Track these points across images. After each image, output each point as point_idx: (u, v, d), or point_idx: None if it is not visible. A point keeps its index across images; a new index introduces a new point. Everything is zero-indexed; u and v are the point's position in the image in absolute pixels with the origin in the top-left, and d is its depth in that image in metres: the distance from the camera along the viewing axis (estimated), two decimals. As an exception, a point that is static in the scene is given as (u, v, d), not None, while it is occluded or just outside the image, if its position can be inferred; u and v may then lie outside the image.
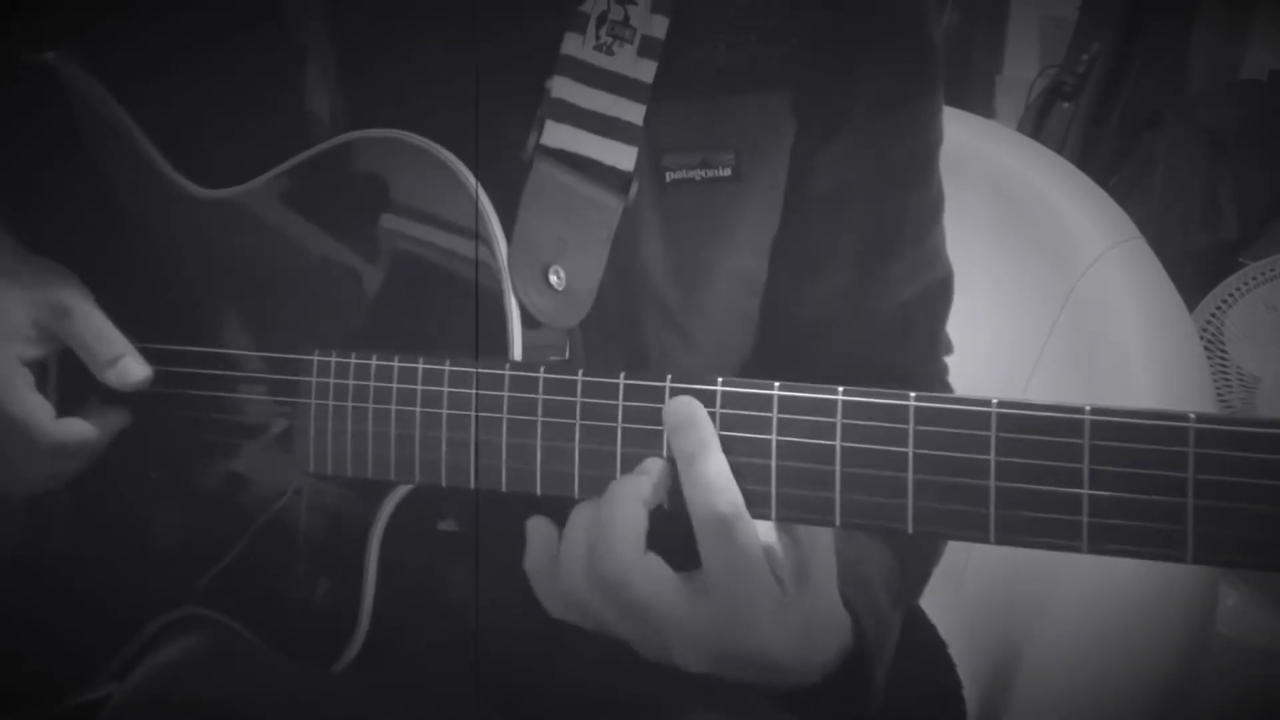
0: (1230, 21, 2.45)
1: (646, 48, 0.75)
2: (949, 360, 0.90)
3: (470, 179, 0.72)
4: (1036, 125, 2.48)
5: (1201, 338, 1.93)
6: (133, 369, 0.79)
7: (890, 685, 0.86)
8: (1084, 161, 2.31)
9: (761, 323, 0.84)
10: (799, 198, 0.80)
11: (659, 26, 0.75)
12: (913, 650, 0.90)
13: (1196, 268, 2.21)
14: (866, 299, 0.84)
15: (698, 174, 0.77)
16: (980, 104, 2.68)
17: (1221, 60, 2.46)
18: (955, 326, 0.90)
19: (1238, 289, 2.01)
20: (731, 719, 0.77)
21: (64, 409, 0.80)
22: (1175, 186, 2.30)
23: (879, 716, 0.84)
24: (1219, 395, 1.99)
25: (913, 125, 0.82)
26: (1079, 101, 2.43)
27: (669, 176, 0.76)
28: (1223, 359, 2.00)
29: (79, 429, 0.79)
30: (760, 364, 0.85)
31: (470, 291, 0.72)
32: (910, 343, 0.86)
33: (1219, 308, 2.01)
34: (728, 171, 0.77)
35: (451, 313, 0.73)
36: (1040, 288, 1.12)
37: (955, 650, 0.91)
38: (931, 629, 0.90)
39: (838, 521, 0.61)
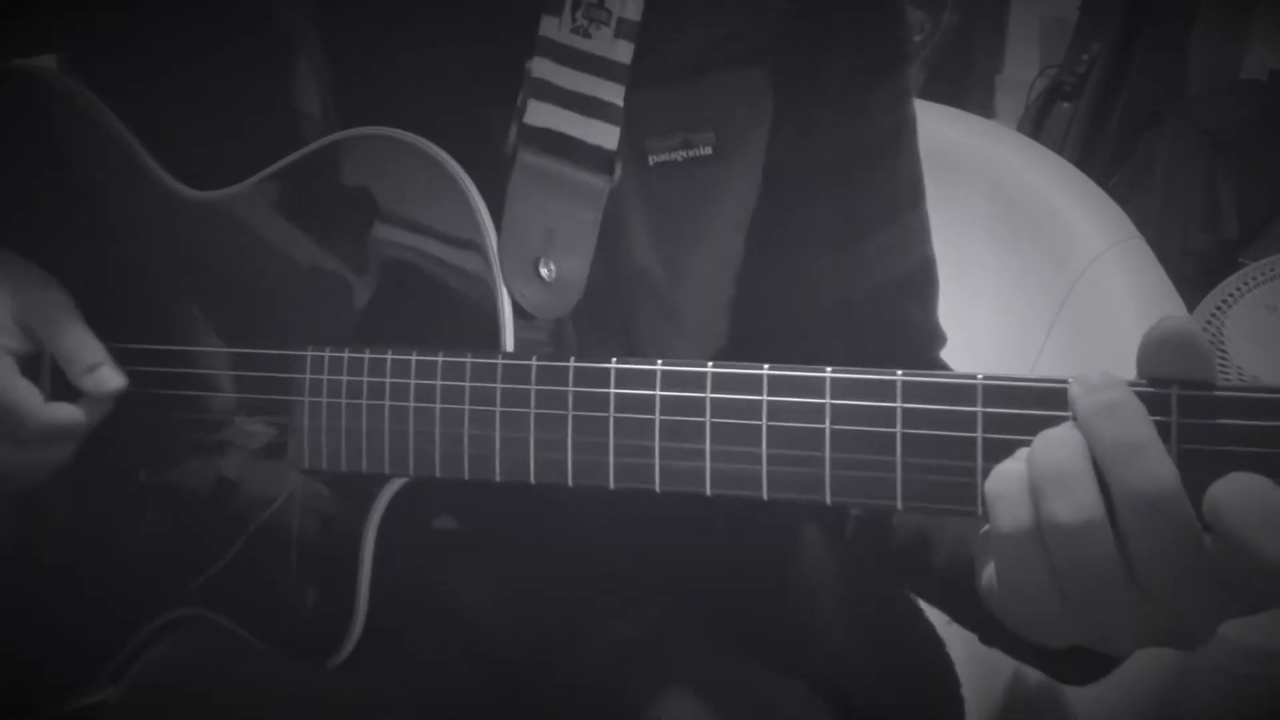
0: (1230, 21, 2.45)
1: (623, 29, 0.75)
2: (943, 354, 0.89)
3: (458, 171, 0.72)
4: (1036, 125, 2.48)
5: (1201, 338, 1.93)
6: (109, 377, 0.80)
7: (889, 684, 0.86)
8: (1084, 161, 2.31)
9: (747, 303, 0.85)
10: (776, 173, 0.81)
11: (634, 8, 0.75)
12: (911, 649, 0.90)
13: (1196, 268, 2.21)
14: (845, 280, 0.84)
15: (679, 155, 0.77)
16: (980, 104, 2.68)
17: (1221, 60, 2.46)
18: (955, 326, 0.90)
19: (1238, 289, 2.01)
20: (722, 718, 0.77)
21: (57, 398, 0.80)
22: (1175, 186, 2.30)
23: (878, 716, 0.85)
24: (1219, 395, 1.98)
25: (881, 100, 0.82)
26: (1079, 101, 2.43)
27: (652, 160, 0.77)
28: (1223, 359, 2.00)
29: (68, 412, 0.79)
30: (748, 349, 0.85)
31: (464, 285, 0.72)
32: (897, 331, 0.86)
33: (1219, 308, 2.01)
34: (708, 150, 0.77)
35: (443, 307, 0.73)
36: (1040, 287, 1.12)
37: (954, 650, 0.92)
38: (930, 628, 0.90)
39: (828, 499, 0.62)
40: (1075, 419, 0.55)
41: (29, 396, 0.78)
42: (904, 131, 0.84)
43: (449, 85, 0.76)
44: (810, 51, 0.78)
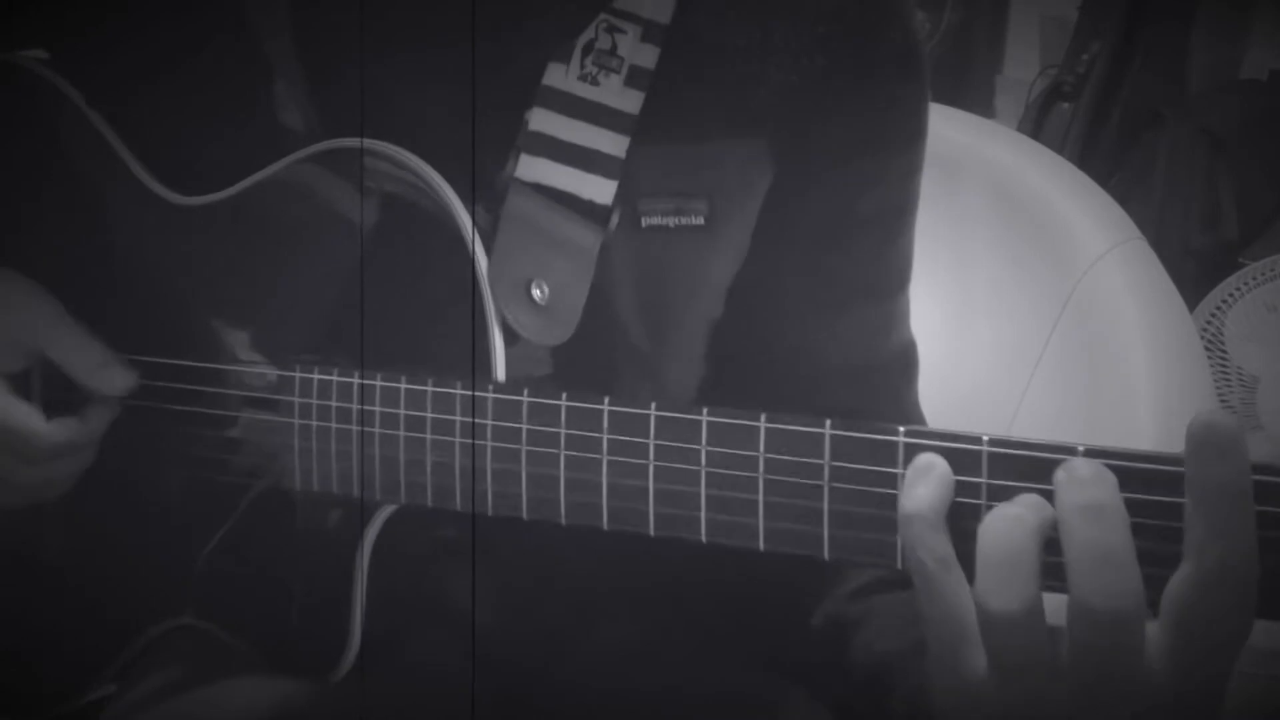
0: (1230, 21, 2.45)
1: (634, 78, 0.74)
2: (944, 360, 0.88)
3: (447, 189, 0.70)
4: (1036, 125, 2.48)
5: (1201, 338, 1.93)
6: (118, 375, 0.79)
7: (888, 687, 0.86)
8: (1084, 161, 2.31)
9: (722, 359, 0.83)
10: (765, 237, 0.79)
11: (649, 57, 0.74)
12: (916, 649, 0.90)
13: (1196, 268, 2.21)
14: (823, 350, 0.82)
15: (671, 220, 0.76)
16: (980, 104, 2.68)
17: (1221, 60, 2.46)
18: (955, 328, 0.89)
19: (1238, 289, 2.01)
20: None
21: (50, 415, 0.79)
22: (1175, 186, 2.30)
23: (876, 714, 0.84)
24: (1219, 395, 1.99)
25: (882, 178, 0.80)
26: (1079, 101, 2.43)
27: (644, 221, 0.75)
28: (1223, 359, 2.00)
29: (72, 428, 0.78)
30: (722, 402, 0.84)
31: (454, 308, 0.71)
32: (871, 410, 0.84)
33: (1219, 308, 2.01)
34: (700, 220, 0.76)
35: (434, 329, 0.72)
36: (1041, 288, 1.12)
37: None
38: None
39: (826, 555, 0.60)
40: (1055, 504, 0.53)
41: (30, 418, 0.77)
42: (906, 210, 0.82)
43: (441, 118, 0.75)
44: (813, 125, 0.76)
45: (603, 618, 0.86)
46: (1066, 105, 2.44)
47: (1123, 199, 1.20)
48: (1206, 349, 1.95)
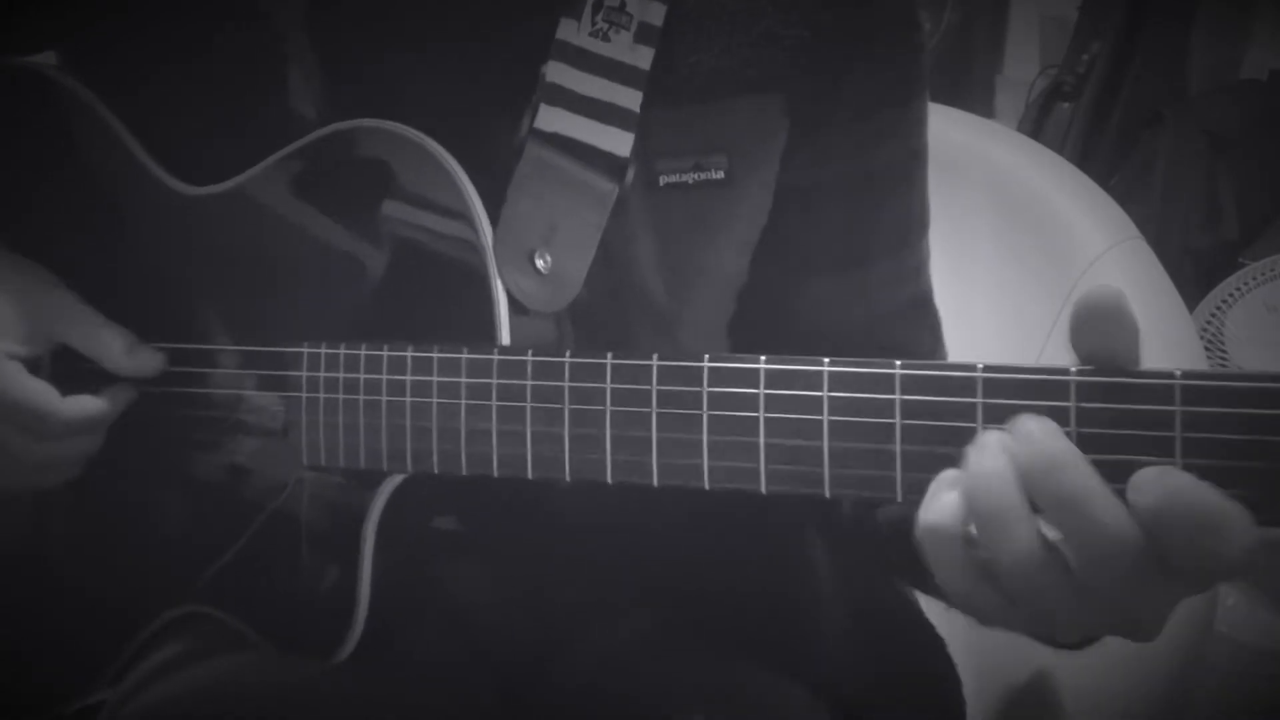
0: (1230, 21, 2.45)
1: (644, 34, 0.74)
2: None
3: (450, 161, 0.71)
4: (1036, 125, 2.48)
5: (1201, 338, 1.94)
6: (150, 357, 0.80)
7: (890, 685, 0.86)
8: (1084, 161, 2.31)
9: (745, 321, 0.84)
10: (785, 196, 0.80)
11: (656, 13, 0.75)
12: (912, 651, 0.90)
13: (1196, 268, 2.21)
14: (845, 304, 0.83)
15: (690, 177, 0.76)
16: (980, 104, 2.68)
17: (1221, 60, 2.46)
18: (955, 327, 0.90)
19: (1238, 289, 2.01)
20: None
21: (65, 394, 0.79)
22: (1175, 186, 2.30)
23: (880, 718, 0.85)
24: (1219, 395, 1.98)
25: (894, 131, 0.81)
26: (1079, 101, 2.43)
27: (662, 180, 0.76)
28: (1223, 359, 2.00)
29: (89, 403, 0.79)
30: None
31: (458, 278, 0.72)
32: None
33: (1219, 308, 2.01)
34: (720, 175, 0.77)
35: (438, 301, 0.73)
36: (1040, 287, 1.12)
37: (953, 648, 0.91)
38: (930, 627, 0.90)
39: (827, 493, 0.61)
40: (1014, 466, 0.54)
41: (46, 394, 0.78)
42: (917, 161, 0.83)
43: (455, 85, 0.76)
44: (827, 80, 0.77)
45: (604, 613, 0.86)
46: (1066, 105, 2.45)
47: (1123, 199, 1.20)
48: (1206, 349, 1.95)
